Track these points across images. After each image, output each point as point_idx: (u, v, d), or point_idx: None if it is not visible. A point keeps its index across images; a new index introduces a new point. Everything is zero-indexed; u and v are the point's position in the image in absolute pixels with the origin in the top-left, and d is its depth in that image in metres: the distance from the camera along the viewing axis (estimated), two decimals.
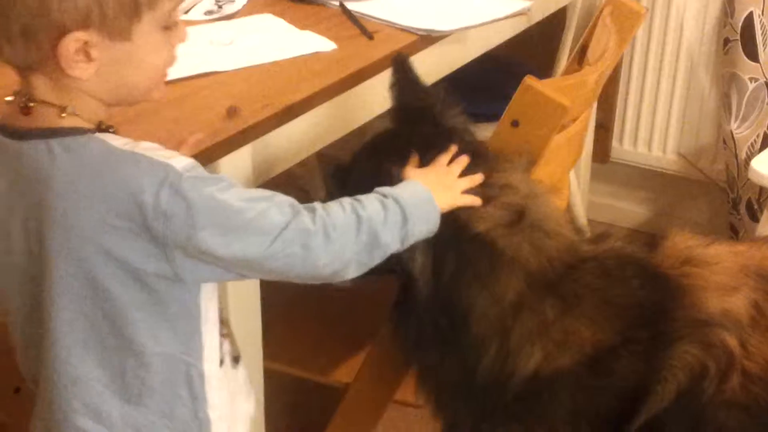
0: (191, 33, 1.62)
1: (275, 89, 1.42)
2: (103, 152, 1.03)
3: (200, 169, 1.04)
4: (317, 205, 1.08)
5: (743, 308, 1.22)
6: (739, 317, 1.21)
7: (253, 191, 1.09)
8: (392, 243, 1.11)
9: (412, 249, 1.19)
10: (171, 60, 1.09)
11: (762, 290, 1.24)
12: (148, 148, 1.04)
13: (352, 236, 1.07)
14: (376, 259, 1.11)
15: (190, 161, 1.04)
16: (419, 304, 1.25)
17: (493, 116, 1.47)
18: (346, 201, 1.10)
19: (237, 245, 1.02)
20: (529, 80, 1.44)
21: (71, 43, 0.98)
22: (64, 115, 1.02)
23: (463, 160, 1.24)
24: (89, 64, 1.00)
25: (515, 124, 1.40)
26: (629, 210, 2.71)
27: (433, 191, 1.16)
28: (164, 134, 1.27)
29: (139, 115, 1.33)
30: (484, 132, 1.42)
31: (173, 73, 1.43)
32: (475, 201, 1.22)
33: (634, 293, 1.24)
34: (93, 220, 1.01)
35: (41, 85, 1.03)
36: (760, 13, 2.20)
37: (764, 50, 2.24)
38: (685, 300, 1.22)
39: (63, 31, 0.98)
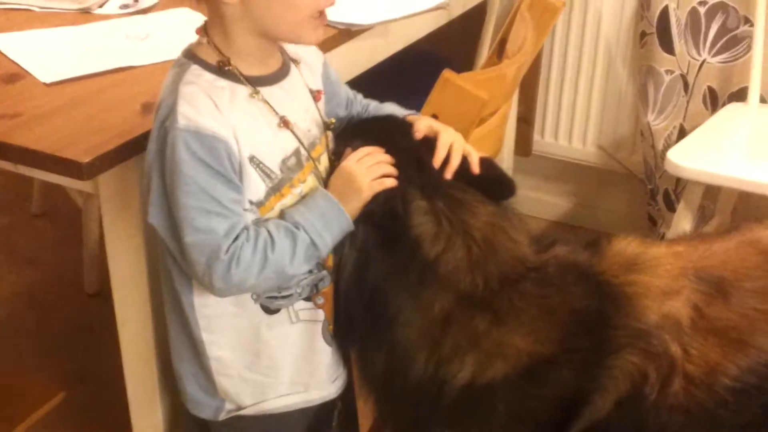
0: (105, 27, 1.62)
1: None
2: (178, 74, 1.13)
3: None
4: (243, 232, 1.12)
5: (684, 311, 1.23)
6: (680, 321, 1.23)
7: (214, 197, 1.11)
8: (300, 270, 1.17)
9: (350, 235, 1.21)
10: (320, 3, 1.12)
11: (701, 292, 1.25)
12: (195, 99, 1.10)
13: (254, 273, 1.13)
14: (284, 283, 1.19)
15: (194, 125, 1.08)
16: (340, 292, 1.24)
17: (415, 110, 1.48)
18: (261, 238, 1.13)
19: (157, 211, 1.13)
20: (448, 74, 1.45)
21: None
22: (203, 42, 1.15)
23: (375, 151, 1.23)
24: None
25: (435, 117, 1.41)
26: (552, 202, 2.75)
27: (344, 198, 1.19)
28: (78, 129, 1.25)
29: (55, 109, 1.31)
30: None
31: (87, 68, 1.42)
32: (388, 183, 1.21)
33: (576, 301, 1.24)
34: None
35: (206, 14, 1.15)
36: (675, 6, 2.24)
37: (680, 43, 2.28)
38: (627, 308, 1.23)
39: None
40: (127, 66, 1.45)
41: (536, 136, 2.63)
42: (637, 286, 1.24)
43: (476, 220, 1.24)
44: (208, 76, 1.12)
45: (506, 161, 2.46)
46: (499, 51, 1.84)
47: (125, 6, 1.71)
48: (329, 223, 1.17)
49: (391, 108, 1.39)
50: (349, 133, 1.30)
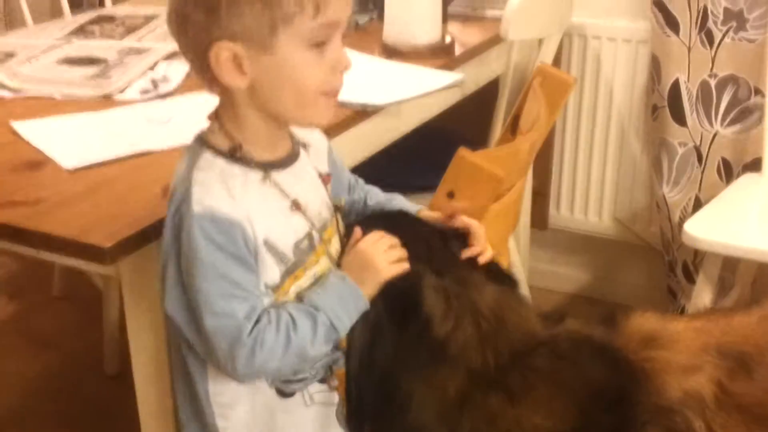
0: (127, 112, 1.65)
1: None
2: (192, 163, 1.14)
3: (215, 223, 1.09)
4: (265, 314, 1.12)
5: (707, 387, 1.21)
6: (703, 397, 1.21)
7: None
8: (320, 351, 1.17)
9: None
10: (330, 82, 1.12)
11: (724, 368, 1.23)
12: (209, 184, 1.10)
13: (278, 355, 1.12)
14: (305, 365, 1.20)
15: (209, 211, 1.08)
16: (351, 373, 1.23)
17: (429, 187, 1.49)
18: (283, 320, 1.12)
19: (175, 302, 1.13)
20: (463, 151, 1.46)
21: (220, 51, 1.07)
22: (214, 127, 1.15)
23: (387, 235, 1.23)
24: (242, 76, 1.09)
25: (450, 195, 1.42)
26: (569, 275, 2.74)
27: (360, 280, 1.18)
28: (100, 215, 1.27)
29: (77, 195, 1.33)
30: (422, 203, 1.43)
31: (109, 153, 1.45)
32: (403, 268, 1.21)
33: (591, 376, 1.22)
34: None
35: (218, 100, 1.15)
36: (686, 79, 2.27)
37: (692, 115, 2.30)
38: (647, 384, 1.21)
39: (212, 39, 1.07)
40: (148, 150, 1.47)
41: (552, 210, 2.64)
42: (657, 362, 1.23)
43: (484, 298, 1.24)
44: (221, 163, 1.13)
45: (523, 235, 2.46)
46: (513, 127, 1.86)
47: (146, 91, 1.75)
48: (347, 305, 1.17)
49: (400, 201, 1.39)
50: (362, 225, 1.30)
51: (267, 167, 1.15)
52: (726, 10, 2.20)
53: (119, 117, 1.64)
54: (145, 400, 1.39)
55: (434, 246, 1.27)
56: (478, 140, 2.04)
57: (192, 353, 1.18)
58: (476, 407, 1.20)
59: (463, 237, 1.30)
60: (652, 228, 2.51)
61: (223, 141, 1.14)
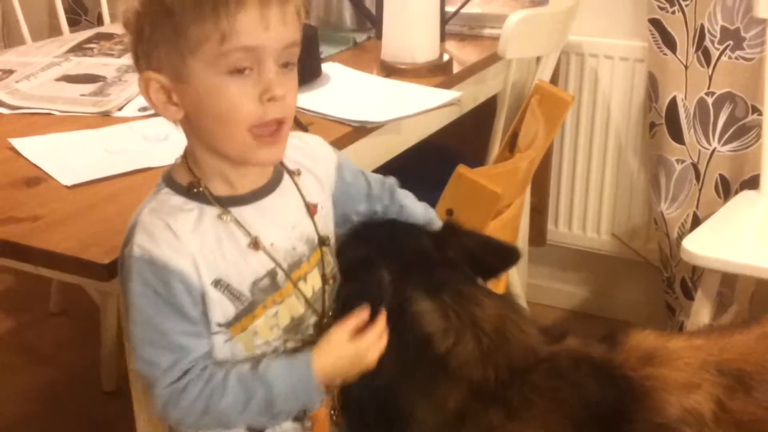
0: (125, 129, 1.65)
1: None
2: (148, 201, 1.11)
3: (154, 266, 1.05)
4: (198, 369, 1.09)
5: (706, 405, 1.21)
6: (702, 415, 1.20)
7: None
8: (252, 422, 1.14)
9: None
10: (256, 114, 1.03)
11: (723, 386, 1.23)
12: (152, 227, 1.07)
13: (193, 416, 1.10)
14: (267, 422, 1.15)
15: (147, 255, 1.05)
16: (352, 396, 1.23)
17: (429, 205, 1.49)
18: (211, 384, 1.08)
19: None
20: (462, 169, 1.46)
21: (149, 81, 1.04)
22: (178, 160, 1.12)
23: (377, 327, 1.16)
24: (177, 108, 1.05)
25: (450, 213, 1.42)
26: (568, 291, 2.74)
27: (346, 372, 1.14)
28: (99, 231, 1.27)
29: (76, 212, 1.33)
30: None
31: (107, 170, 1.45)
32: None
33: (590, 394, 1.22)
34: None
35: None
36: (683, 97, 2.28)
37: (689, 133, 2.31)
38: (646, 402, 1.21)
39: (141, 69, 1.05)
40: (146, 167, 1.47)
41: (550, 226, 2.64)
42: (656, 380, 1.22)
43: (484, 312, 1.23)
44: (177, 200, 1.09)
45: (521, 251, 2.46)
46: (511, 145, 1.86)
47: (144, 108, 1.75)
48: (298, 395, 1.12)
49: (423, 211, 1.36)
50: (353, 240, 1.28)
51: (227, 202, 1.10)
52: (723, 28, 2.21)
53: (117, 134, 1.64)
54: (143, 417, 1.38)
55: (434, 259, 1.27)
56: (477, 158, 2.05)
57: None
58: (476, 422, 1.20)
59: (463, 249, 1.30)
60: (650, 244, 2.51)
61: (184, 176, 1.10)
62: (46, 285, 2.69)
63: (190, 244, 1.06)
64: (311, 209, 1.18)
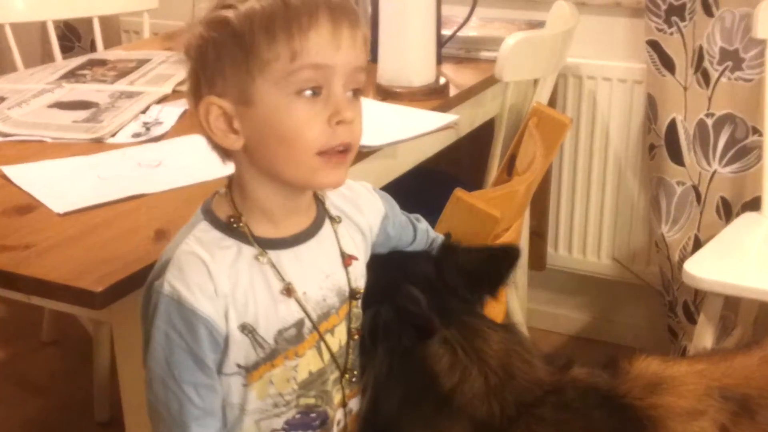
0: (118, 156, 1.63)
1: None
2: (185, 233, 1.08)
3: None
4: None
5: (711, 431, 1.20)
6: None
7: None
8: None
9: (369, 360, 1.17)
10: (324, 137, 1.01)
11: (727, 411, 1.21)
12: (186, 266, 1.04)
13: None
14: None
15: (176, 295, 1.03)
16: (360, 413, 1.21)
17: None
18: None
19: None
20: (459, 193, 1.44)
21: (209, 107, 1.02)
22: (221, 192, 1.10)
23: None
24: (236, 135, 1.03)
25: (447, 236, 1.40)
26: (568, 316, 2.71)
27: None
28: (91, 259, 1.25)
29: (68, 239, 1.31)
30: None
31: (100, 197, 1.43)
32: None
33: (597, 426, 1.20)
34: None
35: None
36: (683, 119, 2.26)
37: (689, 154, 2.29)
38: None
39: (201, 96, 1.03)
40: (140, 194, 1.45)
41: (550, 250, 2.62)
42: (662, 409, 1.20)
43: (490, 347, 1.21)
44: (215, 234, 1.06)
45: (521, 276, 2.44)
46: (509, 168, 1.84)
47: (137, 135, 1.73)
48: None
49: None
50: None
51: (266, 244, 1.07)
52: (722, 49, 2.20)
53: (110, 160, 1.62)
54: None
55: (439, 291, 1.24)
56: (474, 181, 2.03)
57: None
58: None
59: (461, 270, 1.27)
60: (652, 268, 2.49)
61: (225, 210, 1.08)
62: (39, 314, 2.66)
63: (223, 285, 1.04)
64: (346, 260, 1.15)
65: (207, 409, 1.06)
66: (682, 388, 1.24)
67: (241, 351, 1.06)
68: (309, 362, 1.12)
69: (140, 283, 1.20)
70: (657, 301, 2.49)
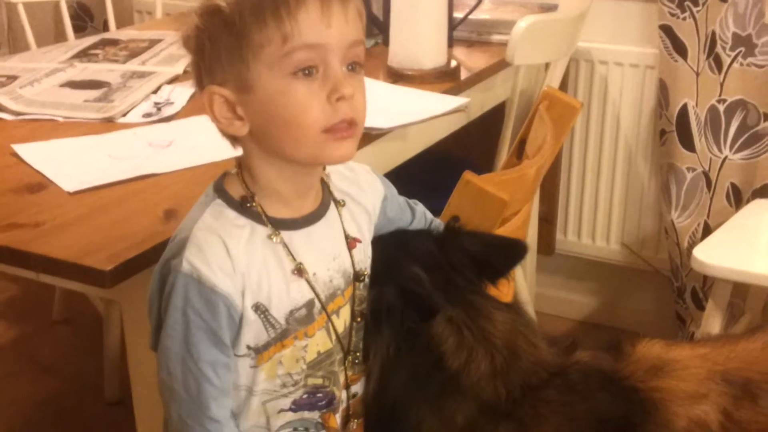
0: (129, 136, 1.64)
1: None
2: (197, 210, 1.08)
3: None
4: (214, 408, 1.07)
5: (712, 416, 1.19)
6: (709, 426, 1.19)
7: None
8: None
9: (375, 341, 1.17)
10: (326, 114, 1.02)
11: (729, 395, 1.21)
12: (205, 244, 1.04)
13: None
14: None
15: (197, 274, 1.03)
16: (366, 396, 1.21)
17: (434, 211, 1.47)
18: None
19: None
20: (468, 176, 1.44)
21: (213, 96, 1.03)
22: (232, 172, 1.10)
23: None
24: (241, 122, 1.03)
25: (456, 219, 1.40)
26: (576, 301, 2.71)
27: None
28: (101, 237, 1.26)
29: (78, 218, 1.32)
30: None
31: (111, 177, 1.43)
32: None
33: (601, 409, 1.20)
34: None
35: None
36: (694, 104, 2.25)
37: (700, 140, 2.28)
38: (654, 415, 1.19)
39: (204, 85, 1.04)
40: (150, 173, 1.45)
41: (559, 235, 2.62)
42: (664, 392, 1.20)
43: (495, 328, 1.21)
44: (230, 213, 1.06)
45: (529, 260, 2.44)
46: (519, 151, 1.84)
47: (148, 114, 1.73)
48: None
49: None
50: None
51: (278, 225, 1.08)
52: (734, 35, 2.19)
53: (121, 140, 1.63)
54: (145, 428, 1.36)
55: (442, 266, 1.24)
56: (484, 164, 2.03)
57: None
58: None
59: (466, 252, 1.26)
60: (661, 254, 2.48)
61: (238, 190, 1.08)
62: (50, 294, 2.67)
63: (240, 263, 1.04)
64: (350, 242, 1.16)
65: (224, 388, 1.07)
66: (685, 371, 1.24)
67: (252, 331, 1.07)
68: (318, 342, 1.13)
69: (150, 262, 1.21)
70: (665, 287, 2.49)
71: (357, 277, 1.16)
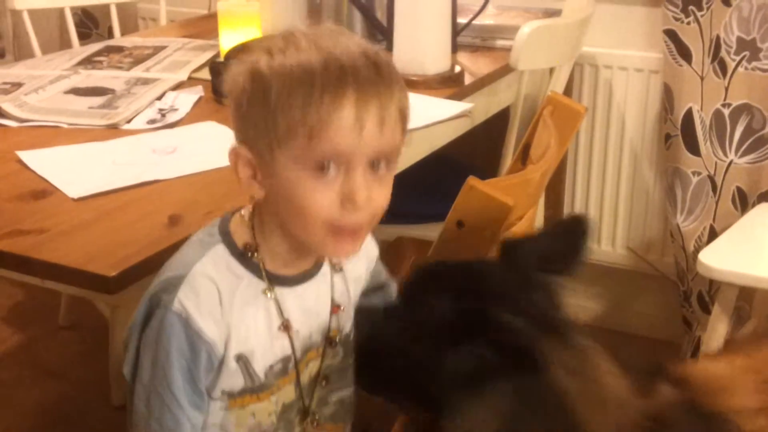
0: (133, 142, 1.64)
1: (218, 196, 1.40)
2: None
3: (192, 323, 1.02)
4: None
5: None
6: None
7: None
8: None
9: (482, 405, 1.06)
10: (334, 215, 0.99)
11: None
12: (201, 289, 1.03)
13: None
14: None
15: (185, 315, 1.02)
16: None
17: (439, 216, 1.47)
18: None
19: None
20: (473, 181, 1.44)
21: (239, 152, 1.02)
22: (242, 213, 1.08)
23: None
24: (258, 186, 1.02)
25: (460, 224, 1.40)
26: (582, 305, 2.69)
27: None
28: (105, 243, 1.26)
29: (82, 224, 1.32)
30: (432, 233, 1.41)
31: (115, 183, 1.44)
32: None
33: None
34: None
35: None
36: (699, 108, 2.25)
37: (705, 144, 2.28)
38: None
39: (236, 139, 1.03)
40: (154, 180, 1.46)
41: None
42: (735, 412, 1.18)
43: (596, 369, 1.12)
44: (230, 261, 1.06)
45: None
46: (523, 156, 1.84)
47: (152, 121, 1.74)
48: None
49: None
50: (419, 285, 1.16)
51: (274, 280, 1.07)
52: (739, 39, 2.19)
53: (125, 146, 1.63)
54: None
55: (529, 301, 1.14)
56: (488, 169, 2.03)
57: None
58: None
59: (539, 260, 1.19)
60: (666, 258, 2.48)
61: (242, 236, 1.07)
62: (55, 299, 2.67)
63: (231, 315, 1.04)
64: (334, 308, 1.16)
65: (197, 427, 1.07)
66: (740, 388, 1.21)
67: (230, 379, 1.07)
68: (285, 395, 1.13)
69: (154, 268, 1.21)
70: (671, 291, 2.48)
71: (330, 341, 1.16)
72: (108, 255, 1.22)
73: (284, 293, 1.09)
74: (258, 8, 2.00)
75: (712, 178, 2.30)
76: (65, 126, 1.73)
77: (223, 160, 1.49)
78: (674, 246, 2.39)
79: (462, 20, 2.24)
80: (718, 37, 2.20)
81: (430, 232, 1.37)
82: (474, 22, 2.24)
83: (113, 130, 1.71)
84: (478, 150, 2.19)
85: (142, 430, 1.07)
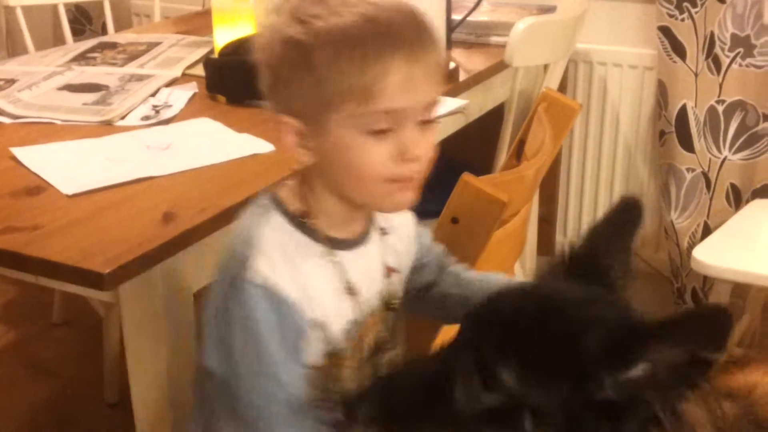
0: (127, 138, 1.64)
1: (213, 192, 1.40)
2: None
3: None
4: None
5: None
6: None
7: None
8: None
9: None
10: (391, 170, 1.01)
11: None
12: (274, 256, 1.03)
13: None
14: None
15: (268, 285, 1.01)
16: None
17: (433, 213, 1.47)
18: None
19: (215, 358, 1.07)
20: (467, 177, 1.44)
21: (284, 125, 1.02)
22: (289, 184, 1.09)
23: None
24: (307, 152, 1.03)
25: (455, 221, 1.40)
26: None
27: None
28: (99, 240, 1.25)
29: (76, 221, 1.32)
30: (426, 229, 1.41)
31: (109, 179, 1.43)
32: None
33: None
34: None
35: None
36: (693, 105, 2.25)
37: (699, 141, 2.29)
38: None
39: (278, 111, 1.03)
40: (148, 176, 1.45)
41: (559, 236, 2.62)
42: None
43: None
44: (288, 228, 1.06)
45: (529, 261, 2.44)
46: (518, 153, 1.84)
47: (147, 117, 1.73)
48: None
49: (497, 279, 1.29)
50: (483, 319, 0.99)
51: (332, 244, 1.08)
52: (733, 36, 2.19)
53: (119, 143, 1.62)
54: (144, 428, 1.36)
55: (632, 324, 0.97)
56: (483, 166, 2.03)
57: (225, 407, 1.11)
58: None
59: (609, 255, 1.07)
60: (660, 254, 2.48)
61: (295, 203, 1.08)
62: (50, 296, 2.67)
63: (302, 277, 1.04)
64: (388, 271, 1.16)
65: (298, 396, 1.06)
66: None
67: (310, 347, 1.07)
68: (352, 358, 1.13)
69: (148, 264, 1.22)
70: (665, 287, 2.49)
71: (387, 305, 1.16)
72: (102, 252, 1.21)
73: (344, 257, 1.09)
74: (252, 5, 2.00)
75: (706, 175, 2.31)
76: (59, 122, 1.73)
77: (217, 157, 1.51)
78: (668, 242, 2.40)
79: (456, 17, 2.24)
80: (712, 34, 2.20)
81: (427, 228, 1.37)
82: (469, 18, 2.24)
83: (107, 127, 1.71)
84: (472, 146, 2.19)
85: (257, 416, 1.05)
